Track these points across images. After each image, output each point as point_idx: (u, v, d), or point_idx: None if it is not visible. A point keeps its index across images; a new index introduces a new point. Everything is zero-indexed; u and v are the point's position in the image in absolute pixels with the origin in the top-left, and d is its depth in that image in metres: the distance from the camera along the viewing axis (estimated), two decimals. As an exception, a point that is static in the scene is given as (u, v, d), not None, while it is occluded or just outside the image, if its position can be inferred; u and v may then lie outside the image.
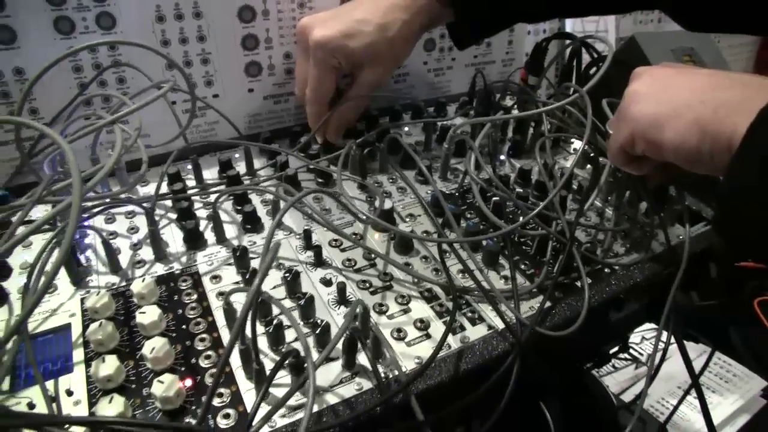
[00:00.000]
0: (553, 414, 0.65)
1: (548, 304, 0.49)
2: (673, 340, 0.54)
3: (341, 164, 0.56)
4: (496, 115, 0.65)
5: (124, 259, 0.50)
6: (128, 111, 0.43)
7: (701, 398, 0.62)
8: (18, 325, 0.32)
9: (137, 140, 0.49)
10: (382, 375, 0.40)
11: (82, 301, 0.46)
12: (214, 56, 0.62)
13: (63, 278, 0.48)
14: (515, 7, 0.59)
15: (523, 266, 0.53)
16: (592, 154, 0.65)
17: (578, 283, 0.51)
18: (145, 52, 0.58)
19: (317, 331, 0.41)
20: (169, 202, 0.56)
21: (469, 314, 0.47)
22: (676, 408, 0.68)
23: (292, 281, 0.46)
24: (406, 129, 0.73)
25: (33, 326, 0.44)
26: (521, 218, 0.56)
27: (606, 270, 0.54)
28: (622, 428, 0.75)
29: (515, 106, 0.73)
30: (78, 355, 0.42)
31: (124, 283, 0.48)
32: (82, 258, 0.50)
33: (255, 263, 0.49)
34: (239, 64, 0.64)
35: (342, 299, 0.47)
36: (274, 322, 0.41)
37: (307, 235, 0.51)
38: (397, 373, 0.41)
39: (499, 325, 0.46)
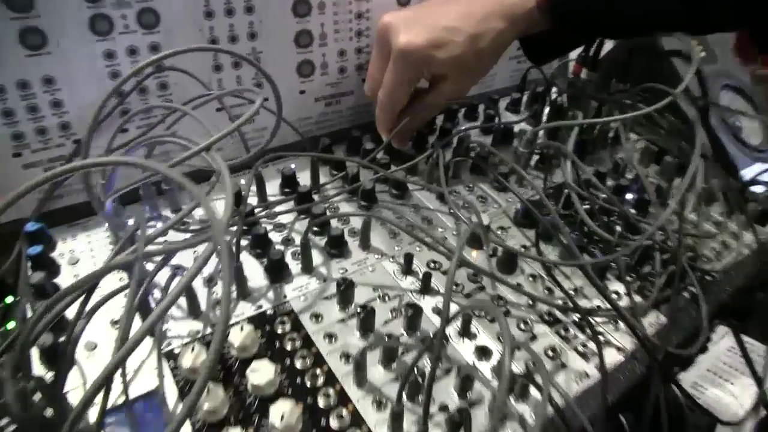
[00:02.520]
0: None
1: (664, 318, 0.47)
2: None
3: (439, 174, 0.51)
4: (578, 119, 0.60)
5: (200, 300, 0.43)
6: (226, 132, 0.36)
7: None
8: (188, 412, 0.25)
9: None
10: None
11: (168, 357, 0.39)
12: (265, 55, 0.55)
13: (135, 327, 0.41)
14: (616, 22, 0.55)
15: (628, 278, 0.50)
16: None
17: (685, 294, 0.49)
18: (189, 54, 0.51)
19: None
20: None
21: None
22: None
23: (414, 317, 0.41)
24: (463, 128, 0.68)
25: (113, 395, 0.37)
26: (617, 227, 0.53)
27: (707, 277, 0.52)
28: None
29: (565, 102, 0.70)
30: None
31: (209, 330, 0.41)
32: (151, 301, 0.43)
33: (358, 295, 0.44)
34: (291, 63, 0.57)
35: (466, 331, 0.42)
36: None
37: (408, 259, 0.46)
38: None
39: (626, 345, 0.44)
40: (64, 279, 0.45)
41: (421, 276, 0.46)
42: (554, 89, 0.72)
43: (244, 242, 0.48)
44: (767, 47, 0.62)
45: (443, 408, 0.37)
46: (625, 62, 0.68)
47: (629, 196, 0.59)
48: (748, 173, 0.75)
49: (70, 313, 0.35)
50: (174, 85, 0.52)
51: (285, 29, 0.55)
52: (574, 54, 0.75)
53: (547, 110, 0.70)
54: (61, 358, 0.36)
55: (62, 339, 0.36)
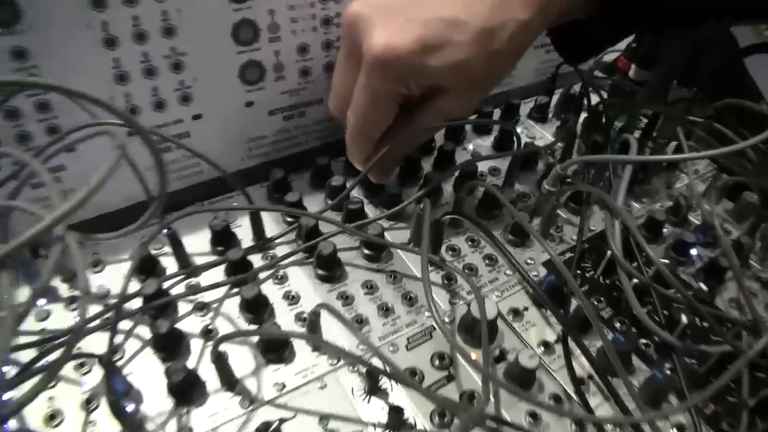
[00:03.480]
0: None
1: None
2: None
3: (425, 244, 0.35)
4: (631, 150, 0.43)
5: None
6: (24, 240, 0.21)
7: None
8: None
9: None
10: None
11: None
12: (191, 58, 0.39)
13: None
14: (683, 7, 0.38)
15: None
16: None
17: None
18: (79, 60, 0.36)
19: None
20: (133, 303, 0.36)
21: None
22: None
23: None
24: (471, 147, 0.52)
25: None
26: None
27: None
28: None
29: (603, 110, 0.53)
30: None
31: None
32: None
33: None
34: (231, 67, 0.42)
35: None
36: None
37: (372, 378, 0.32)
38: None
39: None
40: None
41: (392, 398, 0.31)
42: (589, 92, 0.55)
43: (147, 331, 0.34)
44: None
45: None
46: (692, 59, 0.50)
47: (695, 251, 0.43)
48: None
49: None
50: (60, 105, 0.37)
51: (217, 20, 0.39)
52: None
53: (580, 122, 0.53)
54: None
55: None
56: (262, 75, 0.43)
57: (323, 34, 0.44)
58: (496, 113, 0.55)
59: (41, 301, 0.37)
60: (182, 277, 0.38)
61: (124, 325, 0.35)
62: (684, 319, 0.36)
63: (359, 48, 0.36)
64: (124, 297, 0.32)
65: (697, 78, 0.50)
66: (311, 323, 0.32)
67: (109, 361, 0.30)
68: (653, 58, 0.52)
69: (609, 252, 0.39)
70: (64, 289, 0.38)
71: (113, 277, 0.38)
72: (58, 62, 0.35)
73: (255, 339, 0.34)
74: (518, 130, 0.50)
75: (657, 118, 0.51)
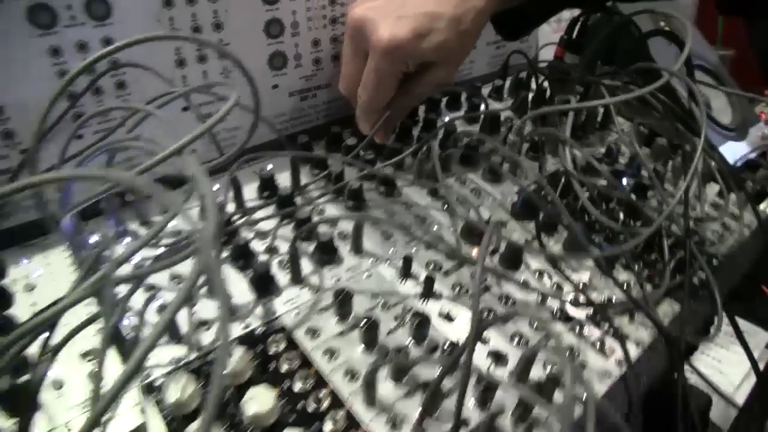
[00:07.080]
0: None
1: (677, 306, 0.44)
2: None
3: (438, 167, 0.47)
4: (570, 103, 0.57)
5: (180, 322, 0.38)
6: (201, 131, 0.31)
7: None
8: None
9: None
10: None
11: (149, 389, 0.34)
12: (233, 47, 0.50)
13: (110, 357, 0.36)
14: None
15: (635, 267, 0.48)
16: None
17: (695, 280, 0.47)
18: (149, 46, 0.46)
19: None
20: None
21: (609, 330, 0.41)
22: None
23: (421, 327, 0.37)
24: (447, 119, 0.64)
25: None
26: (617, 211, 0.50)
27: (713, 262, 0.50)
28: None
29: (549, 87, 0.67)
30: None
31: (194, 355, 0.37)
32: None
33: (356, 305, 0.40)
34: (262, 56, 0.52)
35: (479, 336, 0.38)
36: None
37: (407, 263, 0.42)
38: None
39: (644, 338, 0.41)
40: (20, 309, 0.39)
41: (422, 279, 0.42)
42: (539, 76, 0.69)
43: (223, 254, 0.43)
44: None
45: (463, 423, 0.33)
46: (610, 44, 0.66)
47: (625, 180, 0.57)
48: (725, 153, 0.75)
49: (32, 348, 0.30)
50: (133, 84, 0.46)
51: (254, 18, 0.50)
52: (555, 37, 0.73)
53: (530, 97, 0.67)
54: (23, 403, 0.31)
55: (23, 380, 0.31)
56: (284, 63, 0.54)
57: (331, 31, 0.56)
58: (464, 96, 0.68)
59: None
60: (242, 213, 0.47)
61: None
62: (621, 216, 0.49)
63: (366, 42, 0.48)
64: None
65: (615, 57, 0.65)
66: (356, 228, 0.43)
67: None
68: (581, 46, 0.67)
69: (562, 179, 0.52)
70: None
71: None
72: (140, 51, 0.45)
73: (311, 248, 0.44)
74: (481, 107, 0.63)
75: (589, 89, 0.65)
